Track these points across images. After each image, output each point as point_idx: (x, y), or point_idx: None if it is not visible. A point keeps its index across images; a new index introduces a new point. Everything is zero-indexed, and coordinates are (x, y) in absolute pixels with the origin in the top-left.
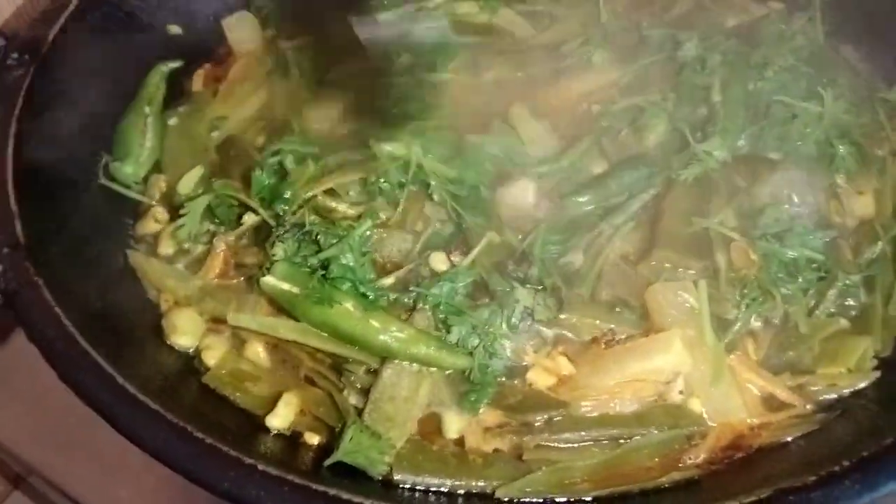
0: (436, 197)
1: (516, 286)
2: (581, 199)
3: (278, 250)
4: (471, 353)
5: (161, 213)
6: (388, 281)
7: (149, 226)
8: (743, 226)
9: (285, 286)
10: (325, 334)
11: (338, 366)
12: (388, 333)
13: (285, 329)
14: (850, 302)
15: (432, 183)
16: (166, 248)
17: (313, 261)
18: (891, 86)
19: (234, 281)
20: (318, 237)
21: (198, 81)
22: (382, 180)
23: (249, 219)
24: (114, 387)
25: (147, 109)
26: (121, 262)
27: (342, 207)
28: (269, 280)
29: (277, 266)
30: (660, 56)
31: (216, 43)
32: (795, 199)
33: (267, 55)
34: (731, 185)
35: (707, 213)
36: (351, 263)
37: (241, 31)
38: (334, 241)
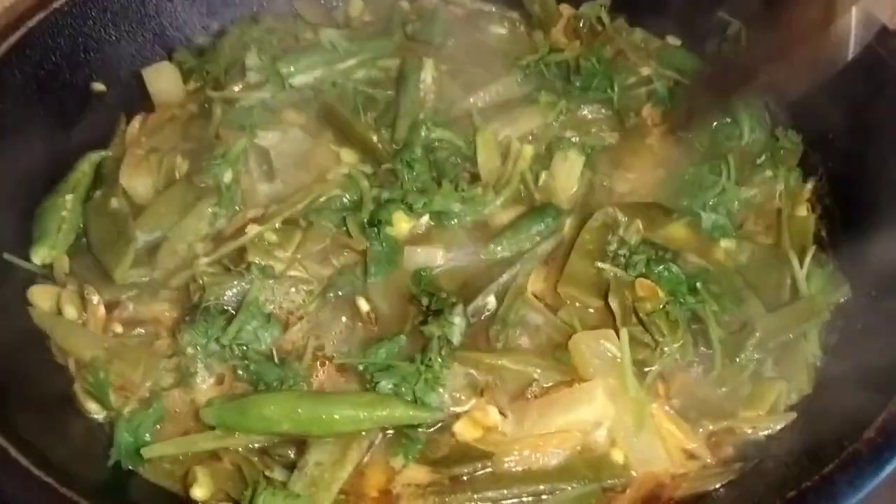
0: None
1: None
2: (498, 248)
3: (186, 341)
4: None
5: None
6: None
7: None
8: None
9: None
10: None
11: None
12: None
13: (204, 442)
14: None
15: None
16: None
17: (224, 340)
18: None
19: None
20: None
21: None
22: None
23: None
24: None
25: (69, 197)
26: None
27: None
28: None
29: (207, 413)
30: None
31: (141, 98)
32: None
33: (189, 104)
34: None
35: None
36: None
37: (162, 82)
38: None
